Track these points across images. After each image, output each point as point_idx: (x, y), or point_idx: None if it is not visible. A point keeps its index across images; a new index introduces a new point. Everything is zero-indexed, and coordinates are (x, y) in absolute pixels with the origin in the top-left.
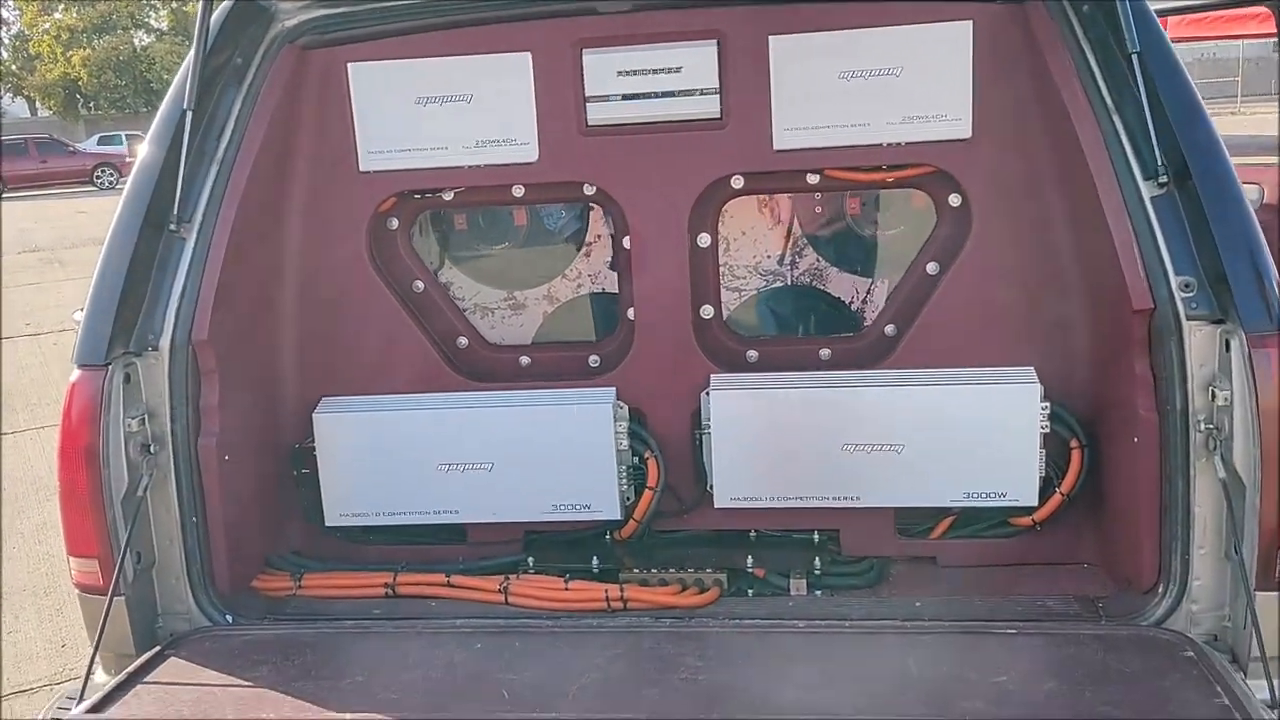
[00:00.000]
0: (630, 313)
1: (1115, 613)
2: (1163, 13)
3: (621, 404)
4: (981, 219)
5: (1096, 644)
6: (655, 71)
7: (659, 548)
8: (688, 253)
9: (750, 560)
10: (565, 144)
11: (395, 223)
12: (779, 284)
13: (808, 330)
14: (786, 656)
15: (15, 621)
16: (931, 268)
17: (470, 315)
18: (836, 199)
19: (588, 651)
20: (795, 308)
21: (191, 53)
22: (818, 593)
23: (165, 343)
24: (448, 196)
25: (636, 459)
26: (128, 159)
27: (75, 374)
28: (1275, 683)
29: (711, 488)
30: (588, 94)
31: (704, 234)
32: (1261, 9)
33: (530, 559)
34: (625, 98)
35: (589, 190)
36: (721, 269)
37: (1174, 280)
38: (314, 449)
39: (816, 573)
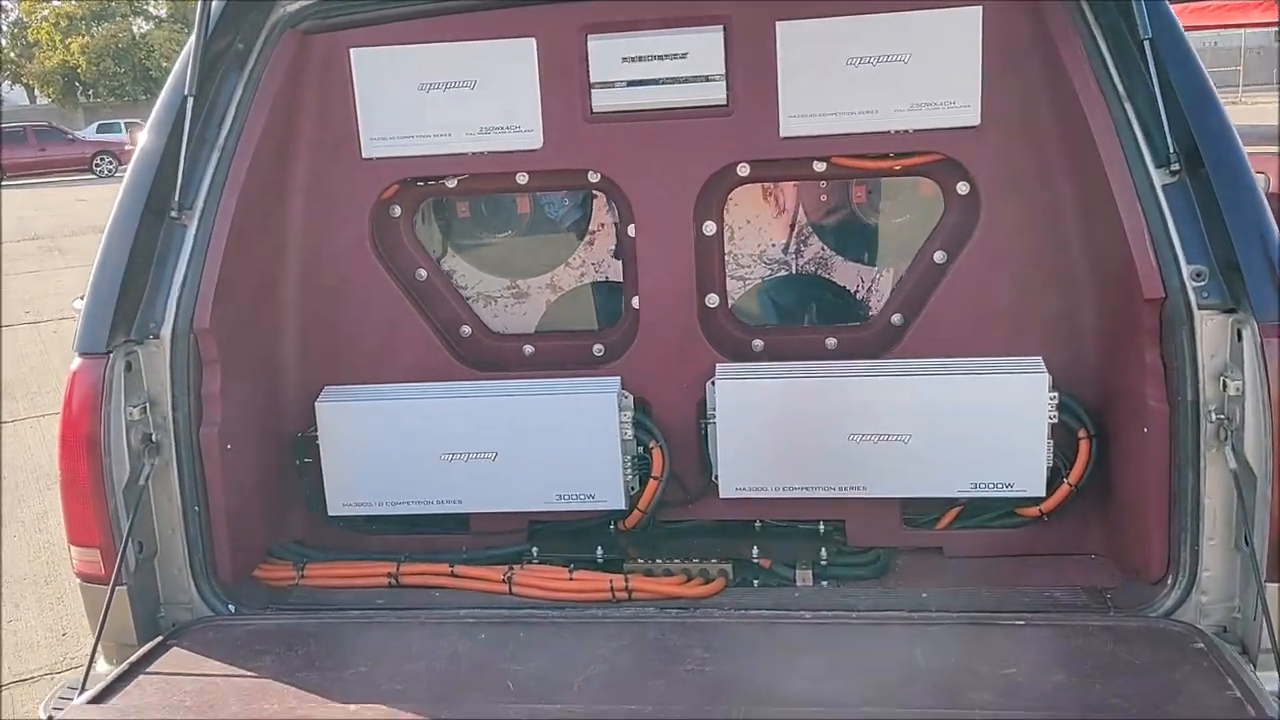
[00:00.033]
0: (635, 301)
1: (1124, 604)
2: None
3: (626, 393)
4: (990, 207)
5: (1105, 635)
6: (661, 58)
7: (664, 538)
8: (693, 241)
9: (756, 551)
10: (570, 131)
11: (398, 210)
12: (784, 273)
13: (813, 319)
14: (793, 647)
15: (16, 610)
16: (939, 256)
17: (473, 304)
18: (842, 187)
19: (593, 642)
20: (801, 297)
21: (192, 38)
22: (824, 583)
23: (167, 331)
24: (451, 184)
25: (641, 449)
26: (127, 146)
27: (76, 362)
28: None
29: (717, 478)
30: (593, 80)
31: (709, 222)
32: None
33: (534, 549)
34: (630, 84)
35: (593, 178)
36: (726, 258)
37: (1185, 269)
38: (316, 438)
39: (822, 563)
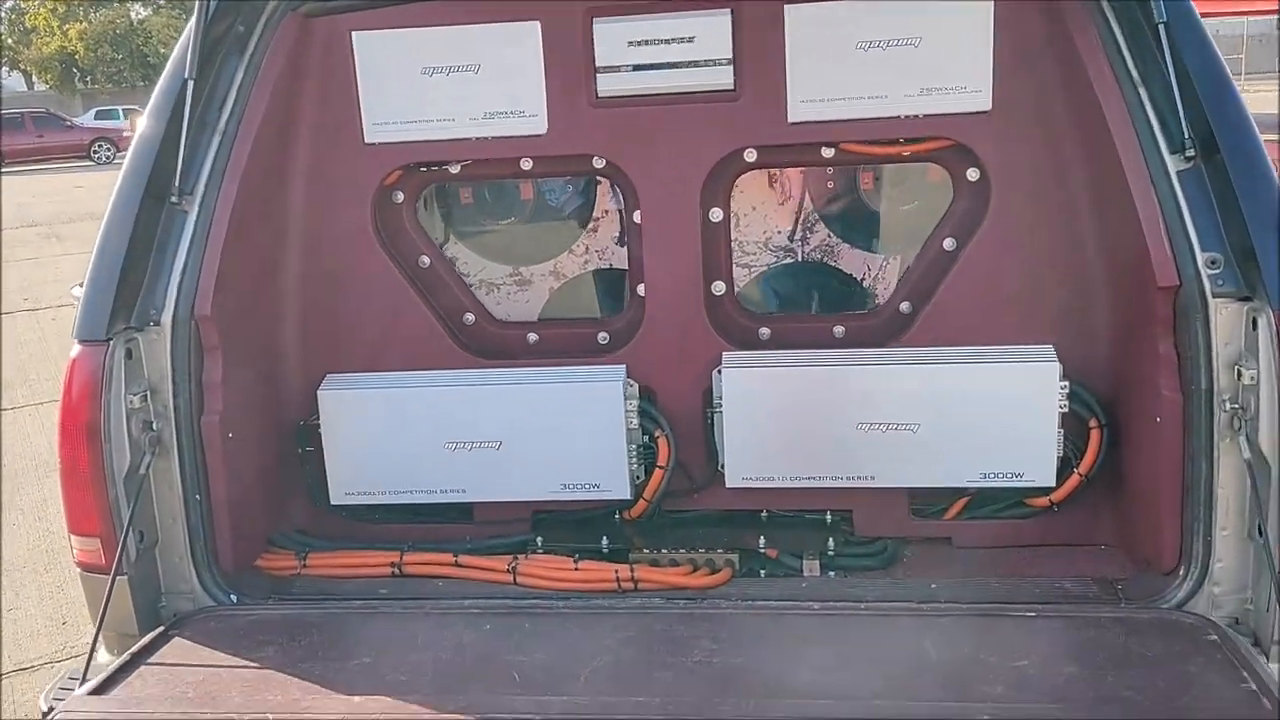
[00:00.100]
0: (640, 289)
1: (1135, 595)
2: None
3: (631, 382)
4: (1000, 193)
5: (1117, 627)
6: (667, 41)
7: (669, 528)
8: (699, 227)
9: (762, 541)
10: (575, 116)
11: (400, 196)
12: (790, 260)
13: (821, 307)
14: (802, 639)
15: (16, 599)
16: (948, 243)
17: (475, 291)
18: (848, 173)
19: (599, 633)
20: (807, 284)
21: (192, 21)
22: (831, 574)
23: (167, 318)
24: (454, 169)
25: (647, 438)
26: (125, 133)
27: (76, 349)
28: None
29: (723, 467)
30: (598, 64)
31: (716, 208)
32: None
33: (539, 539)
34: (636, 68)
35: (599, 163)
36: (732, 245)
37: (1200, 256)
38: (318, 426)
39: (830, 554)
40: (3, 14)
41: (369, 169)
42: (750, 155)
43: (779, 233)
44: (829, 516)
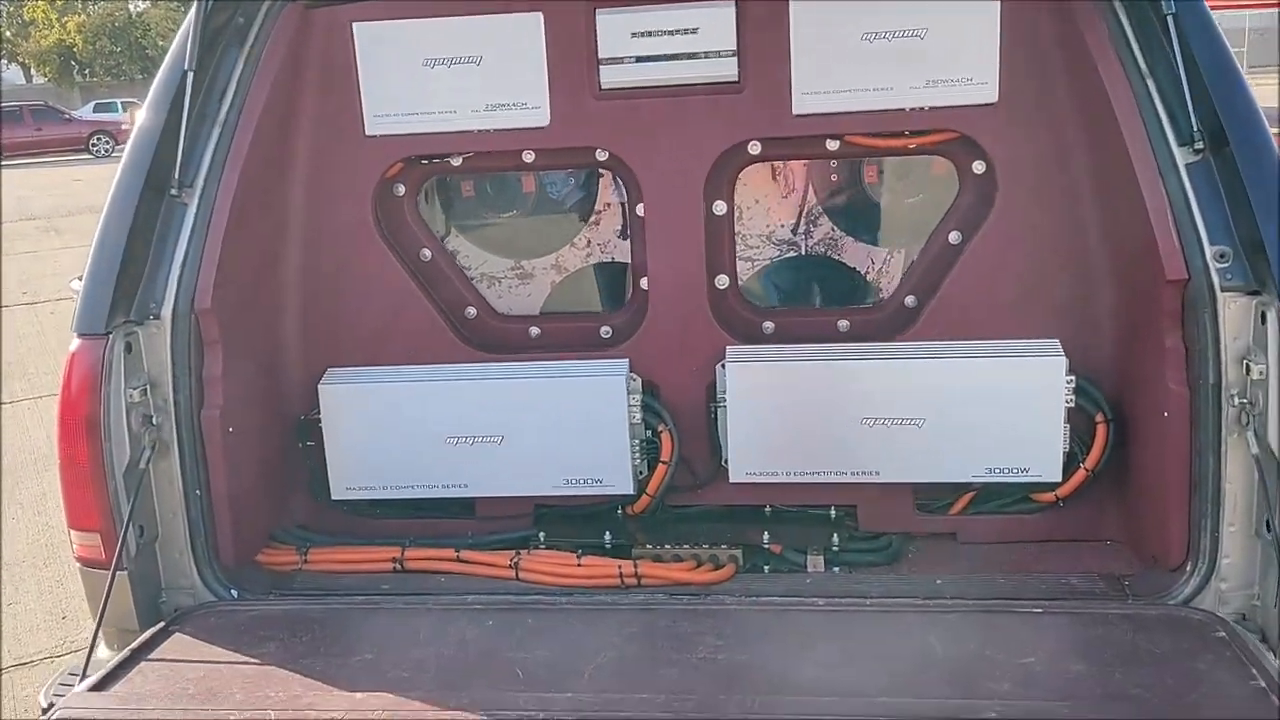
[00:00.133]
0: (644, 282)
1: (1142, 591)
2: None
3: (635, 376)
4: (1006, 186)
5: (1125, 623)
6: (671, 33)
7: (672, 523)
8: (703, 221)
9: (766, 536)
10: (577, 108)
11: (402, 189)
12: (793, 254)
13: (825, 301)
14: (806, 635)
15: (15, 593)
16: (954, 237)
17: (477, 285)
18: (852, 166)
19: (603, 629)
20: (811, 278)
21: (192, 12)
22: (835, 569)
23: (167, 311)
24: (456, 162)
25: (650, 432)
26: (124, 126)
27: (75, 343)
28: None
29: (726, 462)
30: (601, 56)
31: (720, 201)
32: None
33: (541, 534)
34: (640, 60)
35: (601, 156)
36: (735, 238)
37: (1209, 250)
38: (319, 421)
39: (834, 549)
40: (1, 7)
41: (370, 161)
42: (754, 148)
43: (782, 226)
44: (833, 512)
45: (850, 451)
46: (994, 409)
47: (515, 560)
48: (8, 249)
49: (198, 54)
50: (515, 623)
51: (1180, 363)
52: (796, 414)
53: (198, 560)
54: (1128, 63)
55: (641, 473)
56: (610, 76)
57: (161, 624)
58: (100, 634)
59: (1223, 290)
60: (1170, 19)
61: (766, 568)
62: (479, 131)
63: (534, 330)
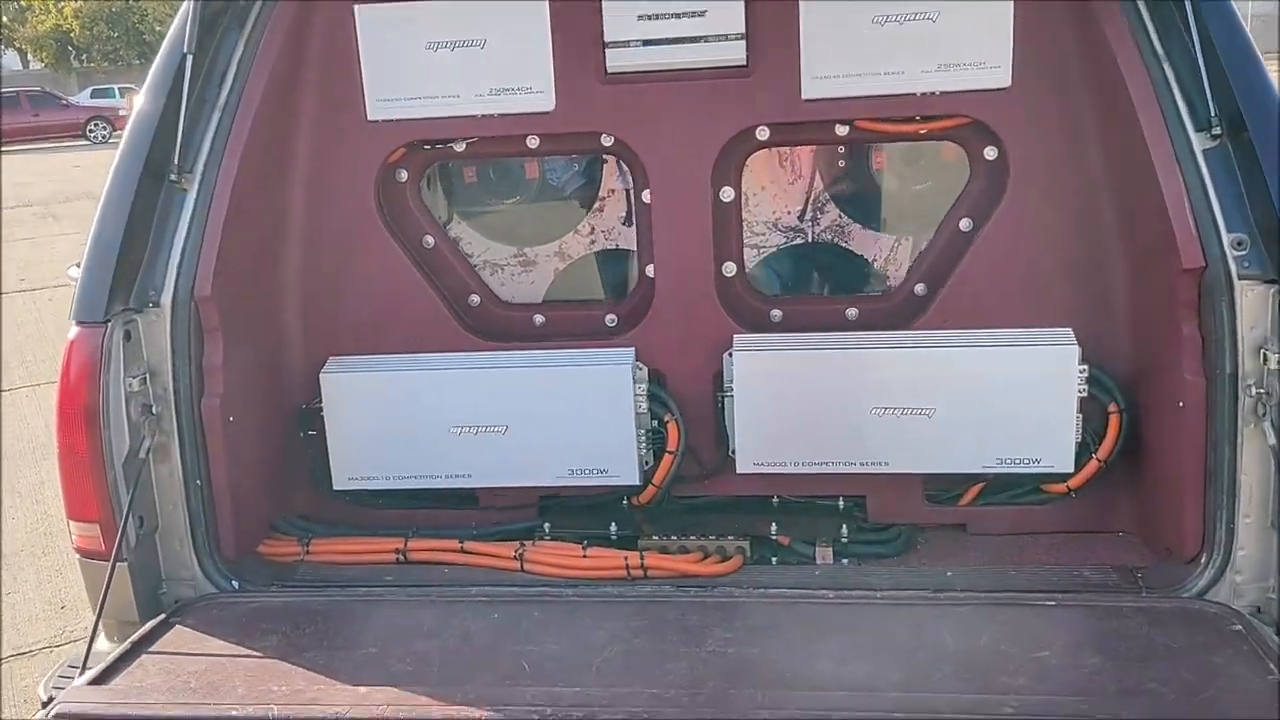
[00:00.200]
0: (649, 270)
1: (1155, 584)
2: None
3: (641, 365)
4: (1019, 173)
5: (1139, 617)
6: (678, 16)
7: (679, 514)
8: (710, 207)
9: (774, 527)
10: (583, 92)
11: (404, 174)
12: (800, 241)
13: (833, 289)
14: (816, 628)
15: (14, 583)
16: (964, 224)
17: (480, 272)
18: (860, 152)
19: (610, 622)
20: (818, 265)
21: None
22: (844, 561)
23: (167, 299)
24: (459, 147)
25: (656, 422)
26: (122, 112)
27: (73, 331)
28: None
29: (734, 452)
30: (607, 39)
31: (727, 187)
32: None
33: (546, 525)
34: (646, 43)
35: (607, 141)
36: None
37: (1226, 237)
38: (321, 410)
39: (843, 541)
40: None
41: (372, 147)
42: (763, 133)
43: (789, 213)
44: (842, 503)
45: (859, 441)
46: (1005, 398)
47: (520, 551)
48: (7, 235)
49: (197, 37)
50: (521, 615)
51: (1196, 352)
52: (805, 403)
53: (198, 551)
54: (1144, 46)
55: (647, 463)
56: (616, 60)
57: (162, 616)
58: (100, 626)
59: (1240, 278)
60: (1187, 2)
61: (775, 559)
62: (483, 116)
63: (538, 318)
